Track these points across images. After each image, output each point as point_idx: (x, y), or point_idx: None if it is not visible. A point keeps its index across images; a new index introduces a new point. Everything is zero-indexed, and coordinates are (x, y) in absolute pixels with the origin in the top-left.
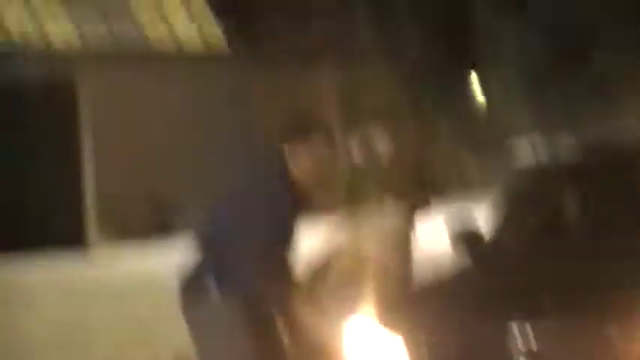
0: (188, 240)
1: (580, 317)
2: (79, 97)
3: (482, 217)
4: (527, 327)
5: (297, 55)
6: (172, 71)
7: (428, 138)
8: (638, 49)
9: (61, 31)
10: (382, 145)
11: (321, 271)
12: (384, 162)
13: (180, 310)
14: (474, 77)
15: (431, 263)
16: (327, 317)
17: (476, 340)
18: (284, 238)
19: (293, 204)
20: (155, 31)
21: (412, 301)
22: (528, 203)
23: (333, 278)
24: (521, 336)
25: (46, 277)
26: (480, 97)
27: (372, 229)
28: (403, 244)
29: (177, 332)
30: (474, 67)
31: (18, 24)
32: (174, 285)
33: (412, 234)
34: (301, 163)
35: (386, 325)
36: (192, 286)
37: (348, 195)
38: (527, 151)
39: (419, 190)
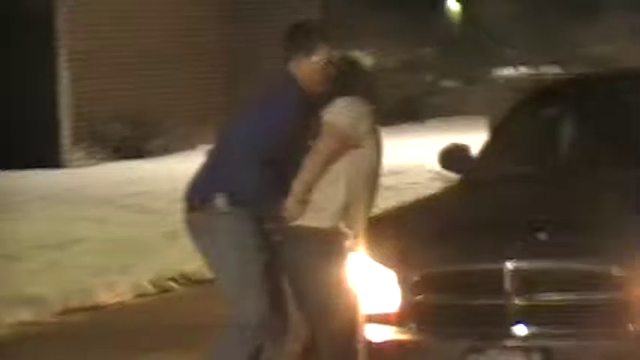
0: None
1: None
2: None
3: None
4: (521, 265)
5: None
6: None
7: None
8: None
9: None
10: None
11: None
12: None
13: (186, 223)
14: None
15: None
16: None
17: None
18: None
19: (302, 106)
20: None
21: (404, 235)
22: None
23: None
24: (513, 273)
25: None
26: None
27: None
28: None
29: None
30: None
31: None
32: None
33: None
34: (305, 72)
35: (380, 261)
36: (200, 201)
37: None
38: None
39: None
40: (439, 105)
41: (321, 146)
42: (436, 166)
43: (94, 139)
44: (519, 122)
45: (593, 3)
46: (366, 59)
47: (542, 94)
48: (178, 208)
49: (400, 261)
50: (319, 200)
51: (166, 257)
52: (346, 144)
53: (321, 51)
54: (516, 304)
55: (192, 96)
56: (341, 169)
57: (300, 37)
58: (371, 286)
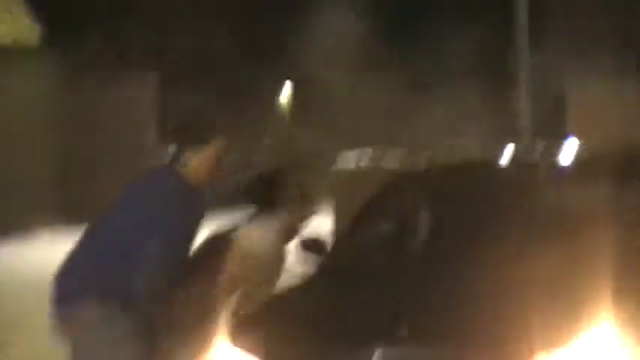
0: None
1: (439, 345)
2: None
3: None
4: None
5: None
6: None
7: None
8: None
9: None
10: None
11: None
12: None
13: (54, 318)
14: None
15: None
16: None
17: None
18: (179, 239)
19: (188, 203)
20: None
21: (266, 321)
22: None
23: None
24: None
25: None
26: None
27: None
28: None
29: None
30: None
31: None
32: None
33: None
34: (195, 165)
35: (242, 347)
36: (72, 296)
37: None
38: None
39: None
40: None
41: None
42: None
43: None
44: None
45: None
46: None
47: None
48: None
49: (265, 349)
50: None
51: None
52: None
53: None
54: None
55: None
56: None
57: (190, 131)
58: None
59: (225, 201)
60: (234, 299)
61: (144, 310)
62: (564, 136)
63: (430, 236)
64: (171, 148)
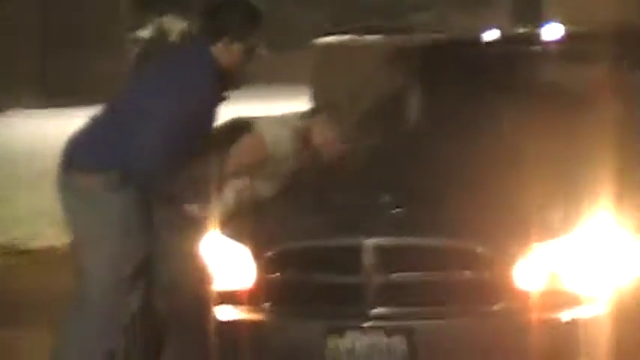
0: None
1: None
2: None
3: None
4: (381, 241)
5: None
6: None
7: None
8: None
9: None
10: None
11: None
12: None
13: (66, 183)
14: None
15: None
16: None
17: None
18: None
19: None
20: None
21: (258, 211)
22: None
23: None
24: (372, 250)
25: None
26: None
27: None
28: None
29: None
30: None
31: None
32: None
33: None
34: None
35: (234, 237)
36: (91, 167)
37: None
38: None
39: None
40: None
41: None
42: None
43: None
44: (369, 89)
45: None
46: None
47: (389, 61)
48: None
49: (254, 236)
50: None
51: None
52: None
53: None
54: (376, 283)
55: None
56: None
57: (225, 19)
58: (223, 264)
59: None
60: (234, 186)
61: (149, 185)
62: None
63: (422, 115)
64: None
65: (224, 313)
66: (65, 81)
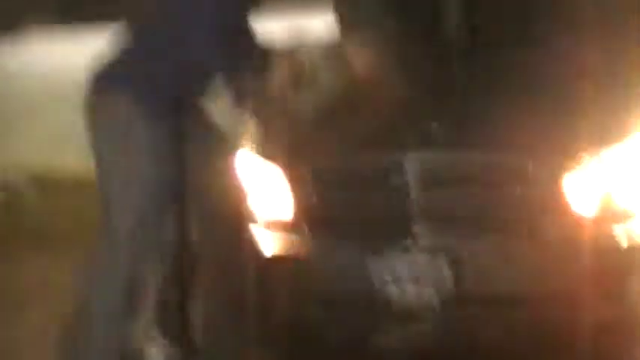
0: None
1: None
2: None
3: None
4: (426, 156)
5: None
6: None
7: None
8: None
9: None
10: None
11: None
12: None
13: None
14: None
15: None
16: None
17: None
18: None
19: None
20: None
21: (291, 130)
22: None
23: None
24: (416, 166)
25: None
26: None
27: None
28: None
29: None
30: None
31: None
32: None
33: None
34: None
35: (266, 157)
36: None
37: None
38: None
39: None
40: None
41: None
42: None
43: None
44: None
45: None
46: None
47: None
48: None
49: (288, 155)
50: None
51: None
52: None
53: None
54: (419, 200)
55: None
56: None
57: None
58: (258, 187)
59: None
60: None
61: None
62: None
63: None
64: None
65: (262, 239)
66: None
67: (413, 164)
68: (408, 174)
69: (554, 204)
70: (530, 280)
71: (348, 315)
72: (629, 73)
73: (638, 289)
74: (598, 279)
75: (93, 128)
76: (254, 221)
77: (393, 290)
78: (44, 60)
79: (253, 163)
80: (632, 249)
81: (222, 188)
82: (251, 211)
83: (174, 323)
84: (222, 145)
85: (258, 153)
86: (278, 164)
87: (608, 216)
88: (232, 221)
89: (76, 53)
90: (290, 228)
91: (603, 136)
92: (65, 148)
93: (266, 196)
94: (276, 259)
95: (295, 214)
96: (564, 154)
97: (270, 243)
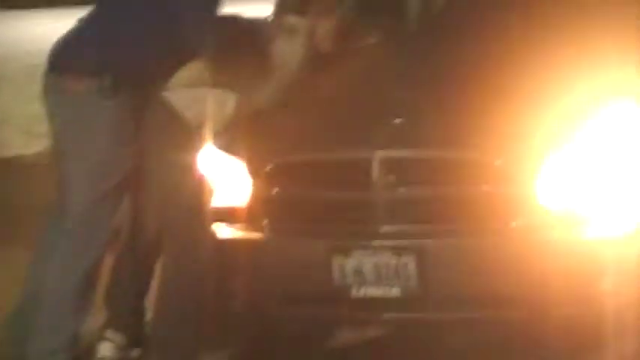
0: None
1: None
2: None
3: None
4: (391, 153)
5: None
6: None
7: None
8: None
9: None
10: None
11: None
12: None
13: (53, 86)
14: None
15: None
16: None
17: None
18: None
19: None
20: None
21: (255, 123)
22: None
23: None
24: (382, 162)
25: None
26: None
27: None
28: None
29: None
30: None
31: None
32: None
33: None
34: None
35: (230, 151)
36: (82, 71)
37: None
38: None
39: None
40: None
41: None
42: None
43: None
44: None
45: None
46: None
47: None
48: None
49: (251, 149)
50: None
51: None
52: None
53: None
54: (385, 199)
55: None
56: None
57: None
58: (219, 179)
59: None
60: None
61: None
62: None
63: (427, 11)
64: None
65: (221, 231)
66: None
67: (379, 161)
68: (374, 171)
69: (523, 202)
70: (498, 280)
71: (309, 312)
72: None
73: (607, 288)
74: (567, 278)
75: (50, 107)
76: (215, 214)
77: (357, 289)
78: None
79: (216, 156)
80: (602, 246)
81: (182, 179)
82: (212, 205)
83: (127, 316)
84: (180, 132)
85: (219, 147)
86: (241, 158)
87: (578, 215)
88: (192, 213)
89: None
90: (250, 220)
91: (572, 131)
92: (11, 128)
93: (227, 188)
94: (235, 253)
95: (256, 207)
96: (532, 150)
97: (230, 237)
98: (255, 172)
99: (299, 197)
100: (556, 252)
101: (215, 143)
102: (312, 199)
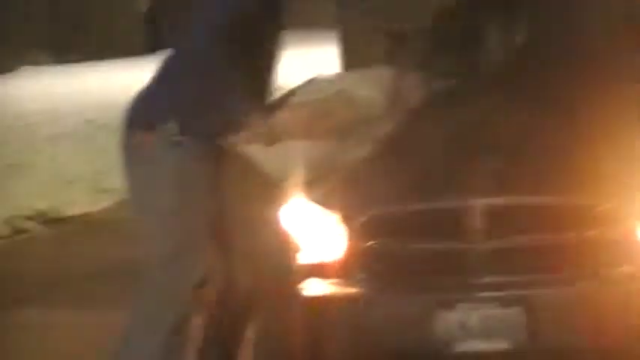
0: None
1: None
2: None
3: None
4: (493, 201)
5: None
6: None
7: None
8: None
9: None
10: None
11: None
12: None
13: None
14: None
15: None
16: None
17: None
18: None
19: None
20: None
21: (348, 175)
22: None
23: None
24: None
25: None
26: None
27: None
28: None
29: None
30: None
31: None
32: None
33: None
34: None
35: (323, 204)
36: (148, 123)
37: None
38: None
39: None
40: None
41: None
42: None
43: None
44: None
45: None
46: None
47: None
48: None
49: (344, 201)
50: None
51: (15, 193)
52: None
53: None
54: (487, 249)
55: None
56: None
57: None
58: (310, 232)
59: None
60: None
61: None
62: None
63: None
64: None
65: (312, 287)
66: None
67: (479, 210)
68: (474, 220)
69: (628, 248)
70: (607, 329)
71: None
72: None
73: None
74: None
75: (126, 165)
76: (305, 271)
77: (462, 343)
78: (35, 95)
79: (307, 210)
80: None
81: (267, 235)
82: (300, 261)
83: None
84: (261, 186)
85: (310, 199)
86: (333, 210)
87: None
88: (279, 271)
89: (70, 91)
90: (344, 275)
91: None
92: (75, 187)
93: (319, 242)
94: (328, 307)
95: (350, 261)
96: (637, 194)
97: (322, 294)
98: (348, 224)
99: (395, 250)
100: None
101: (308, 196)
102: (411, 251)
